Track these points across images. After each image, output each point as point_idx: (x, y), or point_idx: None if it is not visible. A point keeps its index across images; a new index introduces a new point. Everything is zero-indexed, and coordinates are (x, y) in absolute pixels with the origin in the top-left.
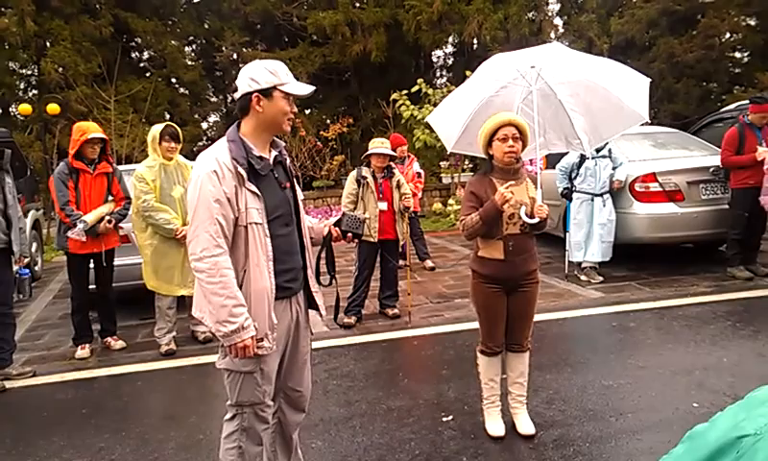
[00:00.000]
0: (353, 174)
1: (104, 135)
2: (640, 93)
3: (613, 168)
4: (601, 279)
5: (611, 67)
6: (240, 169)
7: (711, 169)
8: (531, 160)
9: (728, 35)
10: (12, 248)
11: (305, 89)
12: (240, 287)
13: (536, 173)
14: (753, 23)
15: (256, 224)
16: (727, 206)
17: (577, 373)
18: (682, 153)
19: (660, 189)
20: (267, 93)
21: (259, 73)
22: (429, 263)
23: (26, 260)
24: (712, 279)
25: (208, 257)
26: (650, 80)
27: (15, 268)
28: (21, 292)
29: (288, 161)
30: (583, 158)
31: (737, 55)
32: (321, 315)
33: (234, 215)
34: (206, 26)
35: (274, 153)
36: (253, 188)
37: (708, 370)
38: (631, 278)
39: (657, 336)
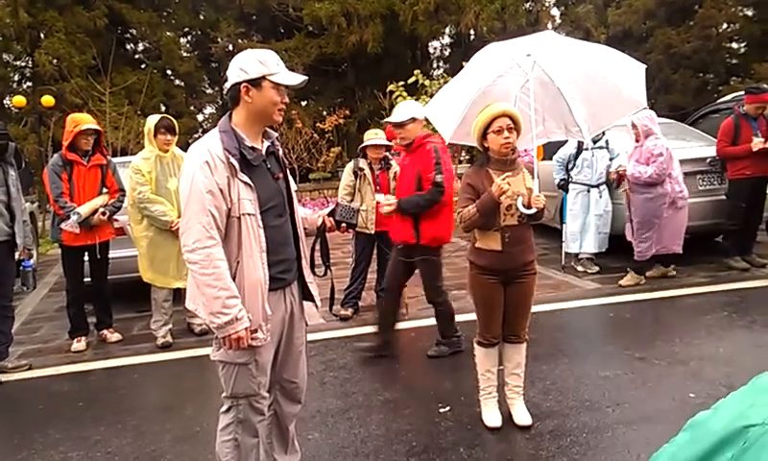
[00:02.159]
0: (350, 166)
1: (97, 127)
2: (637, 80)
3: (610, 159)
4: (597, 269)
5: (606, 54)
6: (232, 160)
7: (708, 160)
8: (526, 150)
9: (725, 25)
10: (16, 240)
11: (295, 79)
12: (233, 279)
13: (532, 163)
14: (750, 14)
15: (249, 215)
16: (723, 197)
17: (574, 363)
18: (678, 144)
19: None
20: (256, 83)
21: (249, 63)
22: None
23: (29, 252)
24: (708, 269)
25: (201, 249)
26: (645, 66)
27: (18, 259)
28: (25, 284)
29: (281, 152)
30: (580, 150)
31: (734, 45)
32: (316, 306)
33: (227, 206)
34: (202, 17)
35: (266, 143)
36: (246, 179)
37: (704, 360)
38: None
39: (653, 327)
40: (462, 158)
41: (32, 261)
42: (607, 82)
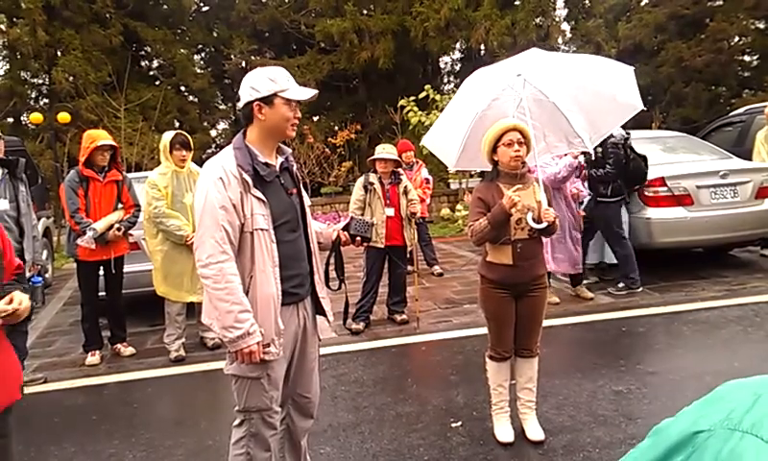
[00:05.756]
0: (361, 180)
1: (113, 143)
2: (628, 83)
3: None
4: (596, 280)
5: (593, 62)
6: (245, 175)
7: (721, 173)
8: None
9: (736, 38)
10: (25, 256)
11: (306, 94)
12: (247, 293)
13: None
14: (762, 26)
15: (262, 230)
16: (736, 211)
17: (586, 378)
18: (691, 157)
19: (670, 194)
20: (268, 101)
21: (260, 81)
22: (437, 269)
23: (38, 268)
24: (723, 283)
25: (214, 264)
26: (633, 68)
27: (28, 275)
28: (34, 300)
29: (295, 167)
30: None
31: (746, 58)
32: (328, 321)
33: (240, 221)
34: (215, 34)
35: (280, 159)
36: (259, 194)
37: (718, 375)
38: (640, 282)
39: (667, 341)
40: (473, 172)
41: (41, 278)
42: (599, 89)
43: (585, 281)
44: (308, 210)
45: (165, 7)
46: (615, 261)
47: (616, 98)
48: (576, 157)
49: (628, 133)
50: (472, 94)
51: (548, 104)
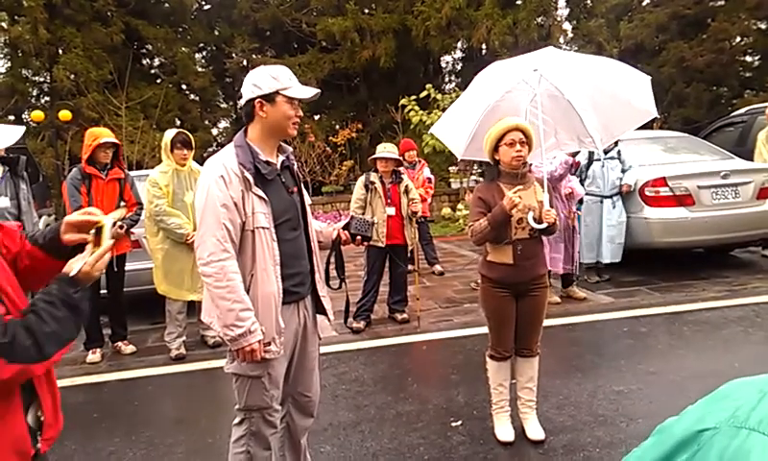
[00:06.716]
0: (362, 179)
1: (116, 141)
2: (644, 90)
3: (622, 171)
4: (597, 279)
5: (611, 65)
6: (247, 174)
7: (722, 173)
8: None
9: (738, 38)
10: None
11: (308, 92)
12: (247, 292)
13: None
14: (763, 26)
15: (263, 228)
16: (737, 211)
17: (587, 378)
18: (692, 157)
19: (671, 194)
20: (270, 98)
21: (262, 79)
22: (438, 268)
23: None
24: (724, 283)
25: (215, 262)
26: (650, 77)
27: None
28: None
29: (295, 166)
30: (591, 160)
31: (748, 59)
32: (329, 319)
33: (241, 220)
34: (217, 33)
35: (281, 158)
36: (260, 193)
37: (719, 375)
38: (641, 282)
39: (667, 341)
40: (474, 172)
41: None
42: (616, 92)
43: (583, 280)
44: (309, 209)
45: (167, 5)
46: (611, 260)
47: (631, 102)
48: (572, 156)
49: None
50: (487, 85)
51: (563, 101)
